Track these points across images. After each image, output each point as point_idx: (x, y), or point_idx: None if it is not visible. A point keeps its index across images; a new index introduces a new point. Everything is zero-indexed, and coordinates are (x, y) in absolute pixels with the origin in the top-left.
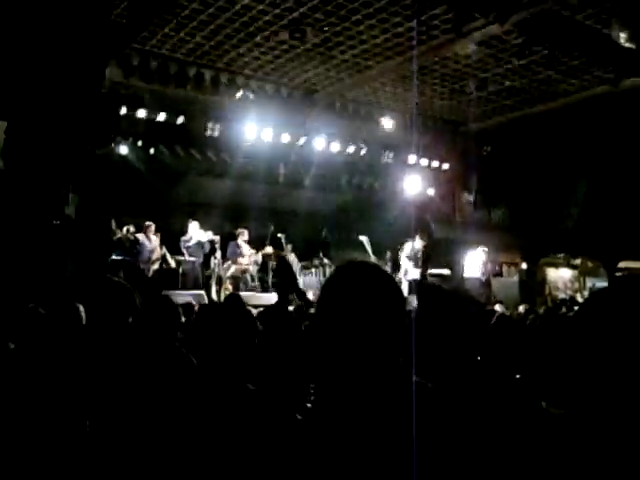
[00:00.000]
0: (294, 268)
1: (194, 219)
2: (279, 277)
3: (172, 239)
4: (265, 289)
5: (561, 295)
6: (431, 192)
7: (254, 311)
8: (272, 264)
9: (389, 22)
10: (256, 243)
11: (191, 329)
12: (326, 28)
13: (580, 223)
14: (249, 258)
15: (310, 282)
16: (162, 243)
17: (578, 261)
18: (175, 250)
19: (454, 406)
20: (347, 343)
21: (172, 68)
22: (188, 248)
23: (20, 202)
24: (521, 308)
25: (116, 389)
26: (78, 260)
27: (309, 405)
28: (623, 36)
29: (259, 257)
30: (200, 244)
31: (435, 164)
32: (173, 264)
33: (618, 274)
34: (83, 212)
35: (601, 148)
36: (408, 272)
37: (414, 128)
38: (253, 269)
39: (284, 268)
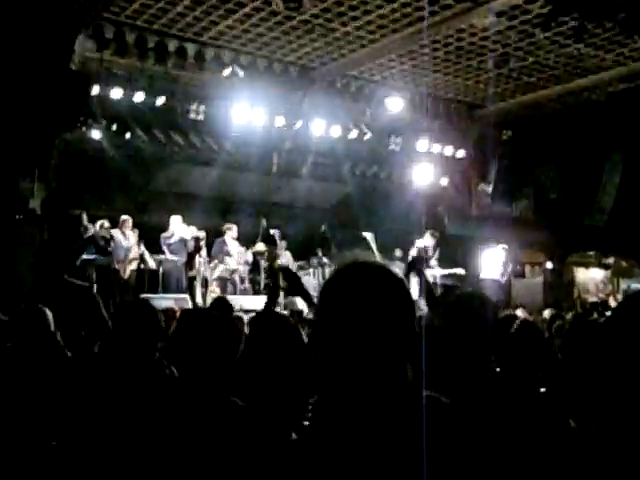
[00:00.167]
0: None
1: (176, 213)
2: (291, 292)
3: (151, 236)
4: (256, 292)
5: (591, 298)
6: (444, 182)
7: (244, 317)
8: (264, 264)
9: None
10: (246, 240)
11: (173, 337)
12: None
13: (613, 217)
14: (238, 257)
15: (307, 284)
16: (140, 240)
17: (611, 260)
18: (155, 248)
19: (470, 424)
20: (349, 354)
21: (151, 41)
22: (169, 246)
23: None
24: (546, 313)
25: (88, 406)
26: (43, 260)
27: (306, 423)
28: None
29: (249, 256)
30: (183, 241)
31: (449, 151)
32: (152, 264)
33: None
34: (49, 205)
35: (638, 132)
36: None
37: (425, 110)
38: (243, 269)
39: (292, 280)
